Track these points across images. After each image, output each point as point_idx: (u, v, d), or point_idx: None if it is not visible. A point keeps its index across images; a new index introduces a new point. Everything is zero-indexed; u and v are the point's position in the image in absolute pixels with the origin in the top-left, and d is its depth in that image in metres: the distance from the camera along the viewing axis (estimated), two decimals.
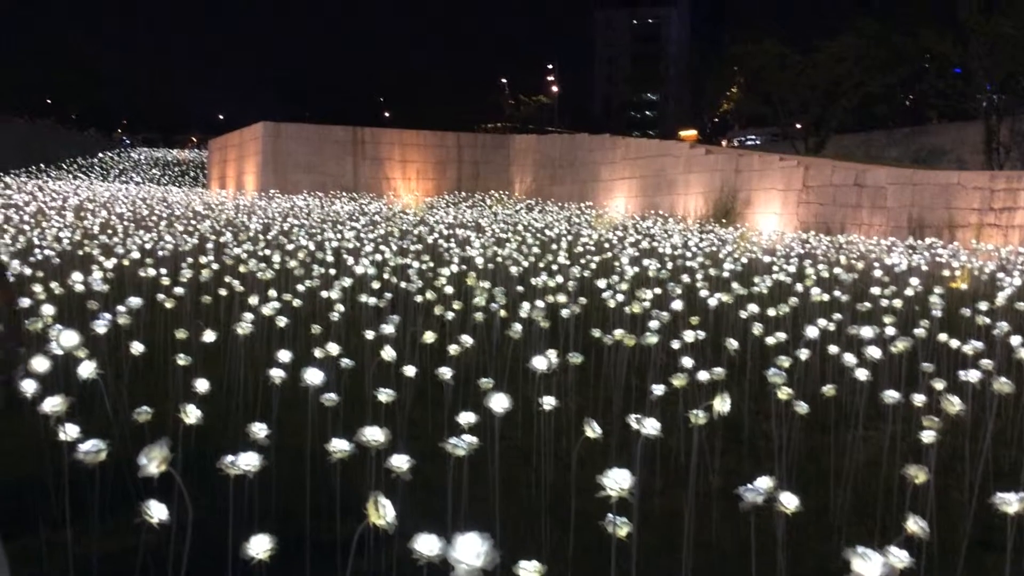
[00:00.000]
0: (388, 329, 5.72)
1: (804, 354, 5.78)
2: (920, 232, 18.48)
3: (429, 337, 5.78)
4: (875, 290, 9.17)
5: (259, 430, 3.43)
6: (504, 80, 76.88)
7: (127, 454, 3.56)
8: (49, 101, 74.17)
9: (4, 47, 74.61)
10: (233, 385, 5.81)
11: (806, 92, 39.59)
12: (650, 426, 2.91)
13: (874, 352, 5.16)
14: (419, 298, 8.16)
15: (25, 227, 14.29)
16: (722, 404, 3.42)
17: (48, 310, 5.63)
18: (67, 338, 3.64)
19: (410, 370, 4.91)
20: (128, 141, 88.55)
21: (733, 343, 5.86)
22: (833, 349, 6.16)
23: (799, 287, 9.58)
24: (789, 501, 2.74)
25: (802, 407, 4.51)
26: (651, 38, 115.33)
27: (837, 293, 9.06)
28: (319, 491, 3.88)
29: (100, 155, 66.90)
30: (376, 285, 8.78)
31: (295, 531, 3.55)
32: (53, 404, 3.02)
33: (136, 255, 10.23)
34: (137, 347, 4.93)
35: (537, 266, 11.65)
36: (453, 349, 5.56)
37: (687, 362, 5.24)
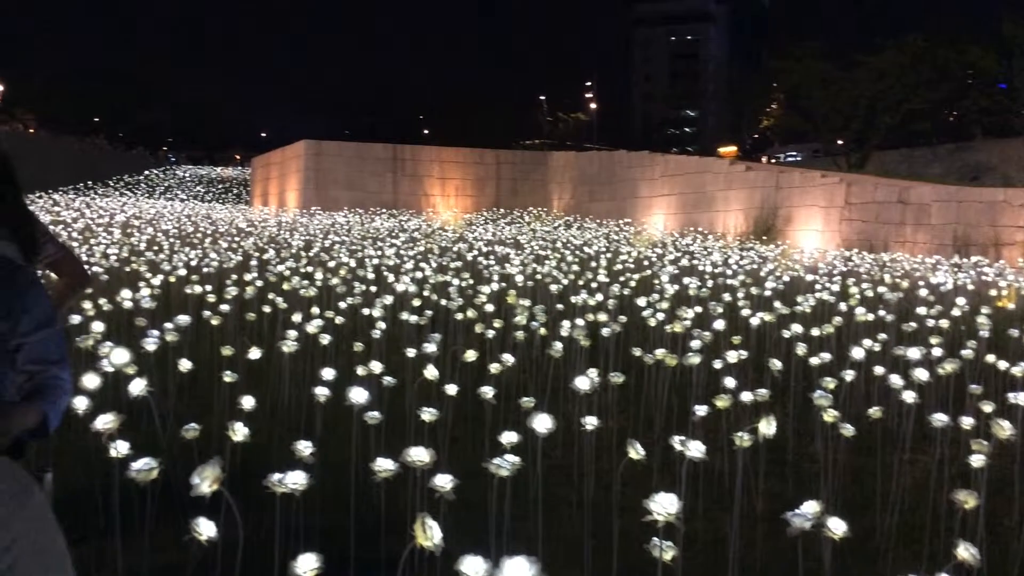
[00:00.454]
0: (430, 348, 5.75)
1: (849, 375, 5.71)
2: (965, 250, 18.17)
3: (470, 356, 5.81)
4: (921, 310, 9.04)
5: (304, 448, 3.47)
6: (542, 97, 77.14)
7: (175, 470, 3.63)
8: (97, 120, 75.79)
9: (56, 68, 76.40)
10: (278, 402, 5.88)
11: (848, 108, 39.19)
12: (695, 449, 2.89)
13: (921, 374, 5.08)
14: (459, 315, 8.20)
15: (74, 244, 14.58)
16: (768, 427, 3.39)
17: (98, 327, 5.75)
18: (118, 356, 3.72)
19: (451, 388, 4.94)
20: (174, 159, 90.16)
21: (776, 364, 5.81)
22: (879, 370, 6.08)
23: (843, 306, 9.47)
24: (837, 527, 2.71)
25: (848, 430, 4.46)
26: (690, 55, 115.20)
27: (882, 313, 8.94)
28: (363, 509, 3.91)
29: (147, 173, 68.15)
30: (416, 303, 8.83)
31: (340, 549, 3.57)
32: (105, 421, 3.08)
33: (182, 272, 10.40)
34: (185, 364, 5.01)
35: (576, 283, 11.64)
36: (494, 367, 5.58)
37: (730, 382, 5.20)
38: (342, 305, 8.49)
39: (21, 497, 0.64)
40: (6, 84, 66.80)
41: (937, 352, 6.44)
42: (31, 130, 62.73)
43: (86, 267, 9.96)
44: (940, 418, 4.30)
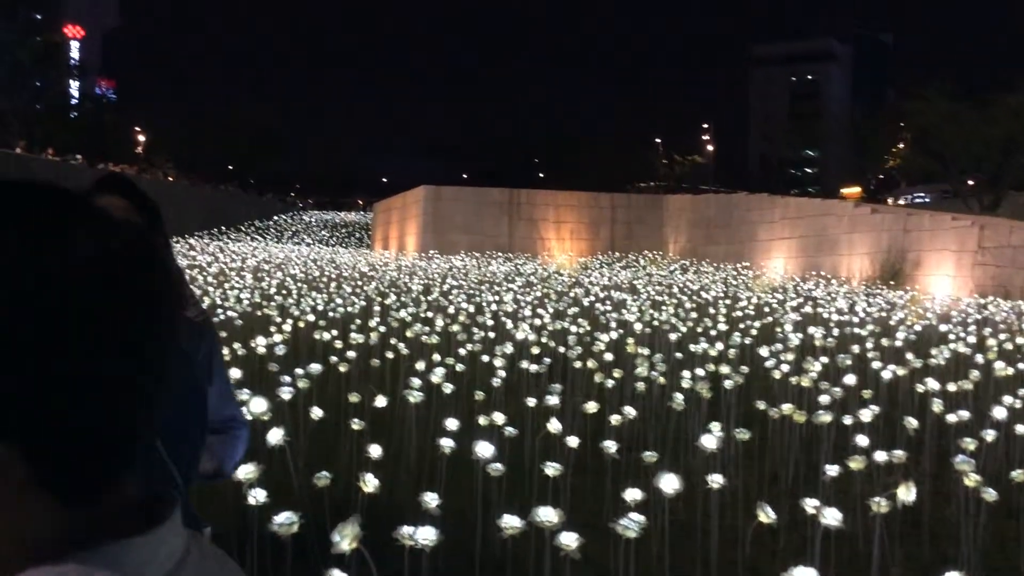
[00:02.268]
0: (552, 400, 5.77)
1: (990, 435, 5.43)
2: None
3: (591, 407, 5.80)
4: None
5: (431, 500, 3.54)
6: (658, 140, 76.93)
7: (309, 519, 3.75)
8: (231, 167, 79.80)
9: (193, 121, 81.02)
10: (402, 449, 6.00)
11: (980, 148, 37.56)
12: (831, 516, 2.81)
13: None
14: (578, 363, 8.20)
15: (209, 288, 15.33)
16: (907, 494, 3.26)
17: (235, 373, 6.01)
18: (257, 404, 3.89)
19: (573, 441, 4.94)
20: (301, 204, 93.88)
21: (912, 422, 5.57)
22: (1021, 429, 5.75)
23: (979, 358, 9.02)
24: None
25: (990, 494, 4.23)
26: (810, 95, 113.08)
27: (1022, 366, 8.47)
28: (488, 563, 3.94)
29: (275, 218, 71.18)
30: (535, 350, 8.89)
31: None
32: (246, 471, 3.22)
33: (310, 317, 10.78)
34: (316, 412, 5.19)
35: (695, 331, 11.48)
36: (615, 419, 5.55)
37: (862, 441, 5.02)
38: (462, 352, 8.62)
39: (223, 561, 0.69)
40: (148, 135, 71.25)
41: None
42: (170, 178, 66.58)
43: (220, 317, 10.48)
44: None
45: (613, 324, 11.55)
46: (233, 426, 2.26)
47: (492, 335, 10.16)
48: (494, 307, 13.24)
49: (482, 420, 5.27)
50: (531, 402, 6.10)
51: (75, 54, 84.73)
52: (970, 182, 41.10)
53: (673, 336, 10.22)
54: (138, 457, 0.66)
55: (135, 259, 0.65)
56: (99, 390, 0.61)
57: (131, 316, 0.63)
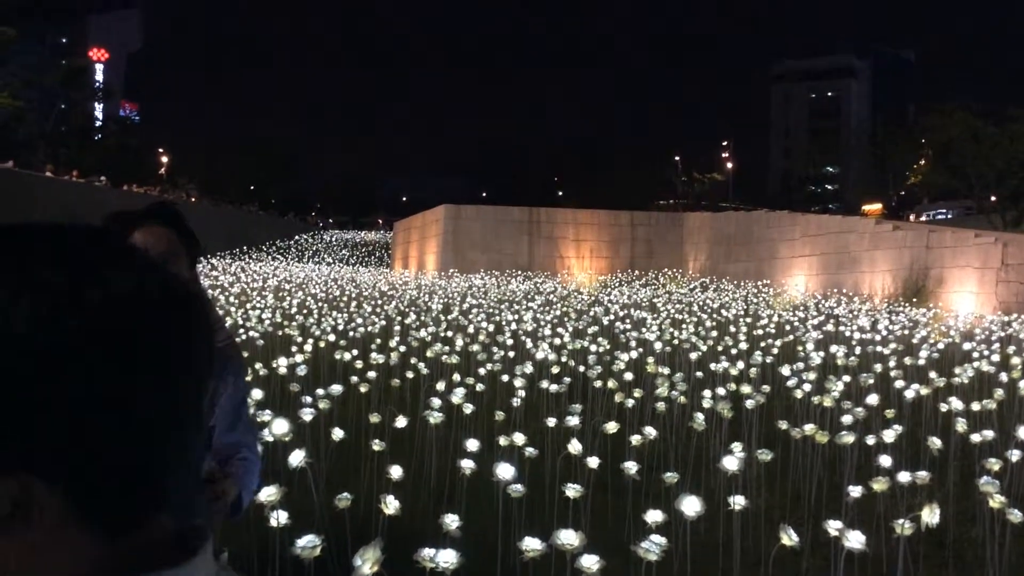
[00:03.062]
0: (573, 420, 5.76)
1: (1015, 456, 5.37)
2: None
3: (612, 427, 5.79)
4: None
5: (451, 521, 3.54)
6: (677, 158, 76.87)
7: (330, 540, 3.76)
8: (253, 188, 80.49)
9: (214, 142, 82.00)
10: (422, 470, 6.01)
11: (1002, 164, 37.30)
12: (855, 540, 2.79)
13: None
14: (598, 383, 8.18)
15: (231, 308, 15.45)
16: (931, 516, 3.23)
17: (257, 394, 6.05)
18: (278, 426, 3.91)
19: (593, 461, 4.93)
20: (321, 224, 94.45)
21: (936, 442, 5.52)
22: None
23: (1003, 377, 8.93)
24: None
25: (1016, 515, 4.19)
26: (830, 112, 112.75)
27: None
28: None
29: (296, 237, 71.66)
30: (555, 369, 8.89)
31: None
32: (268, 493, 3.24)
33: (331, 337, 10.83)
34: (337, 433, 5.21)
35: (716, 350, 11.43)
36: (635, 439, 5.54)
37: (885, 461, 4.98)
38: (481, 371, 8.63)
39: None
40: (171, 156, 72.06)
41: None
42: (192, 199, 67.24)
43: (242, 337, 10.54)
44: None
45: (633, 343, 11.53)
46: (243, 453, 2.23)
47: (512, 354, 10.17)
48: (513, 326, 13.25)
49: (502, 441, 5.27)
50: (551, 422, 6.09)
51: (99, 76, 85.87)
52: (992, 198, 40.78)
53: (693, 355, 10.19)
54: (173, 491, 0.68)
55: (171, 298, 0.67)
56: (135, 427, 0.63)
57: (166, 354, 0.65)
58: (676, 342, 11.66)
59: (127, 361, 0.62)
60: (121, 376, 0.62)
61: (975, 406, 7.06)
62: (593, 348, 10.66)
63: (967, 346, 12.13)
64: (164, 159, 71.32)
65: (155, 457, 0.65)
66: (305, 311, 15.45)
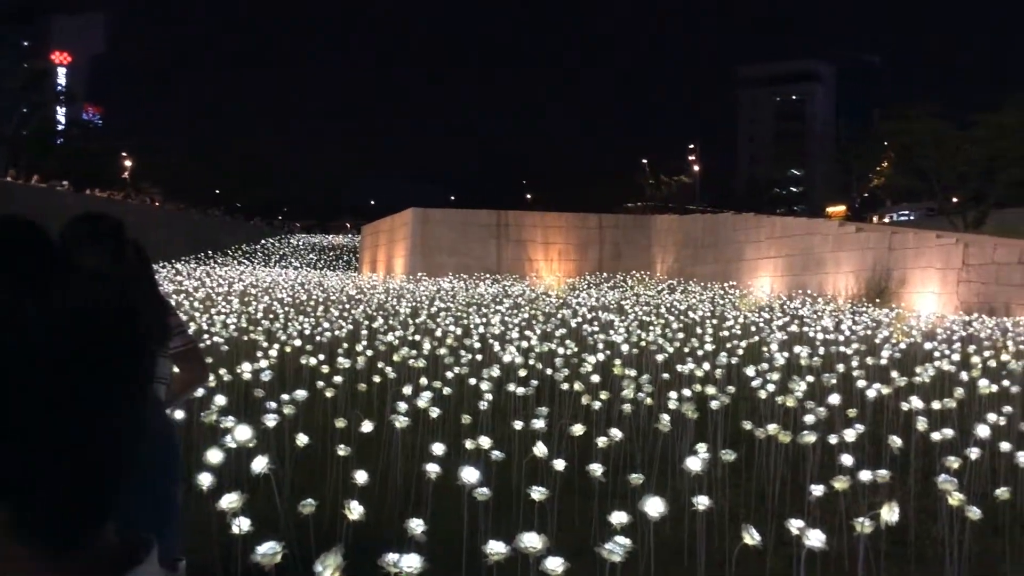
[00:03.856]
0: (539, 424, 5.77)
1: (974, 454, 5.45)
2: None
3: (578, 430, 5.81)
4: None
5: (416, 526, 3.53)
6: (645, 160, 77.34)
7: (293, 546, 3.73)
8: (218, 192, 79.72)
9: (179, 148, 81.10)
10: (388, 474, 5.98)
11: (963, 166, 37.95)
12: (815, 538, 2.82)
13: None
14: (565, 385, 8.21)
15: (195, 313, 15.28)
16: (890, 514, 3.28)
17: (220, 400, 5.99)
18: (241, 433, 3.88)
19: (559, 464, 4.94)
20: (288, 228, 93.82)
21: (896, 441, 5.60)
22: (1005, 446, 5.78)
23: (964, 376, 9.07)
24: None
25: (975, 512, 4.26)
26: (795, 115, 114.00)
27: (1006, 383, 8.52)
28: None
29: (263, 242, 71.12)
30: (522, 373, 8.90)
31: None
32: (230, 501, 3.21)
33: (297, 342, 10.75)
34: (302, 438, 5.17)
35: (682, 351, 11.51)
36: (601, 441, 5.55)
37: (847, 460, 5.04)
38: (449, 375, 8.62)
39: None
40: (134, 160, 71.18)
41: None
42: (156, 203, 66.50)
43: (206, 342, 10.43)
44: None
45: (600, 345, 11.57)
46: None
47: (479, 358, 10.16)
48: (481, 329, 13.24)
49: (468, 444, 5.27)
50: (518, 425, 6.10)
51: (62, 80, 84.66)
52: (954, 200, 41.46)
53: (660, 357, 10.25)
54: (117, 502, 0.68)
55: (112, 313, 0.66)
56: (77, 441, 0.63)
57: (109, 369, 0.65)
58: (643, 344, 11.72)
59: (67, 376, 0.62)
60: (61, 391, 0.61)
61: (936, 405, 7.17)
62: (560, 351, 10.69)
63: (928, 346, 12.31)
64: (128, 163, 70.43)
65: (99, 470, 0.65)
66: (271, 316, 15.33)
